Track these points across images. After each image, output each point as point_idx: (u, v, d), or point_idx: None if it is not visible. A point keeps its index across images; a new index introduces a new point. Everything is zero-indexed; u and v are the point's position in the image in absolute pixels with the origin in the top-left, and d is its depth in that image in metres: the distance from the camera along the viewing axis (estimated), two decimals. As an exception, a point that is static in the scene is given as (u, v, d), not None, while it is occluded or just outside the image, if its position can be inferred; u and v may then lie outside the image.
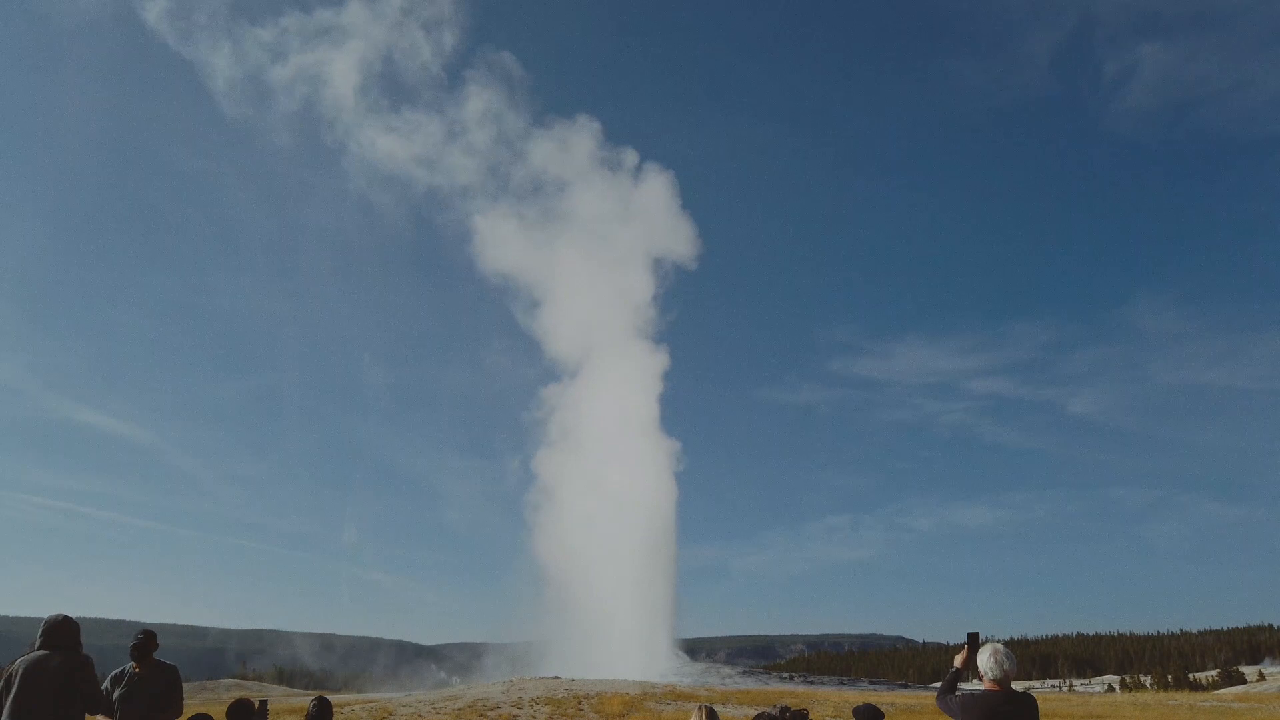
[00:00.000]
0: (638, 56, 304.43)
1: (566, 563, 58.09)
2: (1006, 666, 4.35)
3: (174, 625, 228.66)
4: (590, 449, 62.63)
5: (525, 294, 68.04)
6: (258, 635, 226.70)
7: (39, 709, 4.92)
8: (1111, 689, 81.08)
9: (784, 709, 6.68)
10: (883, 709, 5.49)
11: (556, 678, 33.00)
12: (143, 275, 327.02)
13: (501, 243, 68.65)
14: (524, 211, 70.95)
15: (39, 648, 5.15)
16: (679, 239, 65.26)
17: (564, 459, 62.81)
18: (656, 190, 66.25)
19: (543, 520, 60.96)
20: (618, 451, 62.34)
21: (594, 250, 67.25)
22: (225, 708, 6.42)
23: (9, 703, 4.94)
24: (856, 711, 5.32)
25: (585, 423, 62.62)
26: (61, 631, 5.20)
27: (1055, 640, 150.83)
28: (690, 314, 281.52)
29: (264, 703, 6.49)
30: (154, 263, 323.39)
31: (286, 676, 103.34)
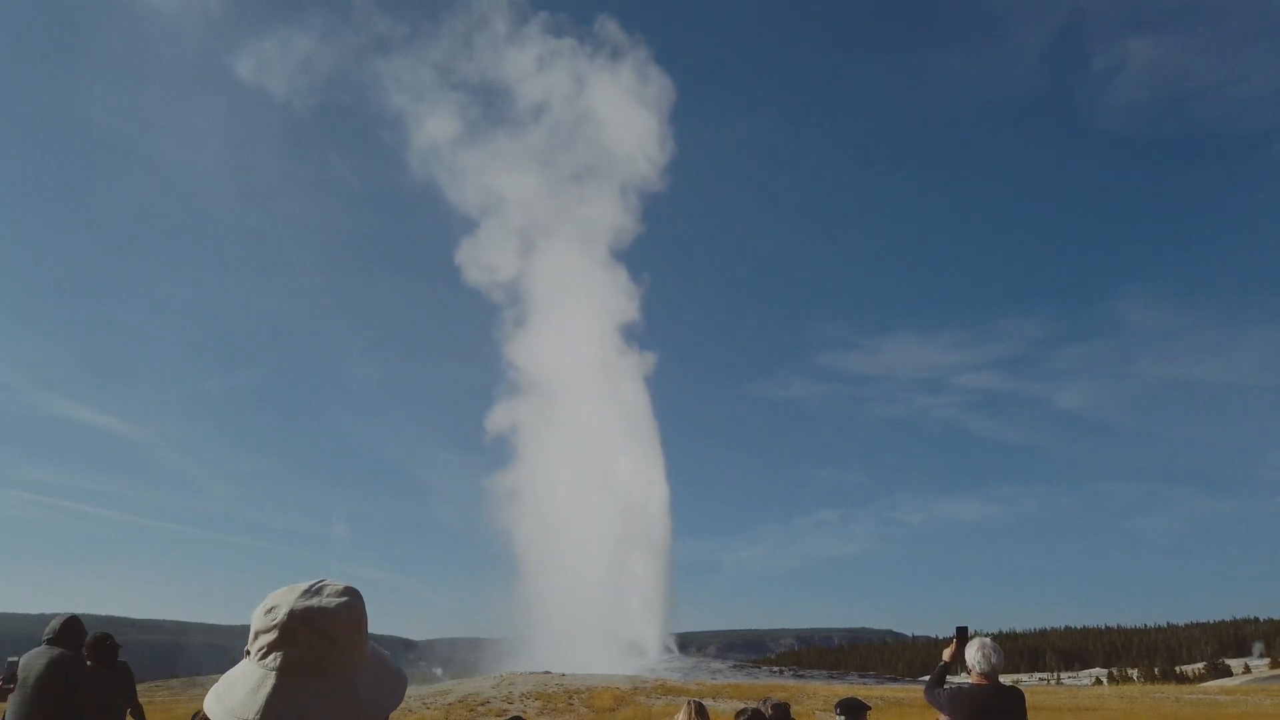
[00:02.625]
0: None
1: (543, 542, 55.68)
2: (994, 660, 4.38)
3: (165, 621, 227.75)
4: (557, 393, 59.32)
5: (464, 213, 66.46)
6: (249, 631, 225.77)
7: (35, 707, 4.90)
8: (1099, 682, 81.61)
9: (769, 703, 6.71)
10: (871, 703, 5.52)
11: (547, 672, 33.02)
12: (132, 270, 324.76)
13: (441, 149, 67.55)
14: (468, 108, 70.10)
15: (43, 643, 5.13)
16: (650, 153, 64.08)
17: (527, 409, 59.34)
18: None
19: (509, 485, 58.19)
20: (588, 399, 58.93)
21: (550, 159, 65.58)
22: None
23: (11, 700, 4.93)
24: (839, 705, 5.34)
25: (547, 364, 59.68)
26: (64, 631, 5.18)
27: (1043, 633, 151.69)
28: (680, 309, 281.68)
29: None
30: (143, 258, 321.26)
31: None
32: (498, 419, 60.27)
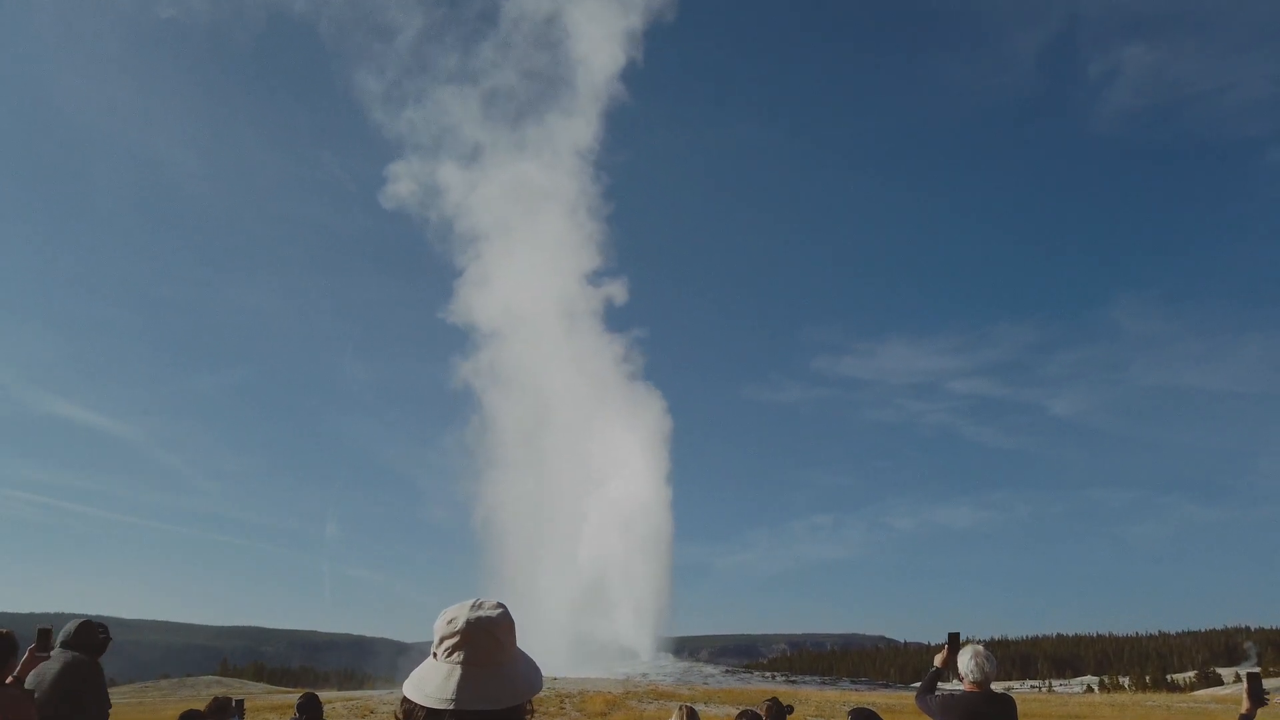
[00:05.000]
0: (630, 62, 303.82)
1: (529, 539, 53.15)
2: (987, 669, 4.37)
3: (154, 621, 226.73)
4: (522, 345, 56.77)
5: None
6: (238, 631, 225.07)
7: (46, 711, 4.89)
8: (1090, 690, 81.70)
9: (772, 701, 6.69)
10: (863, 709, 5.48)
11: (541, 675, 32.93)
12: (122, 268, 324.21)
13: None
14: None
15: (59, 646, 5.12)
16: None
17: (491, 361, 56.81)
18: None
19: (487, 475, 55.28)
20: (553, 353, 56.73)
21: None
22: (203, 705, 6.38)
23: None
24: (853, 714, 5.29)
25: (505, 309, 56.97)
26: (79, 635, 5.16)
27: (1035, 641, 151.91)
28: (672, 312, 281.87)
29: (240, 701, 6.45)
30: (133, 256, 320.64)
31: (267, 673, 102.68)
32: (458, 379, 58.28)
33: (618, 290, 60.06)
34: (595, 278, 59.69)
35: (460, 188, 63.51)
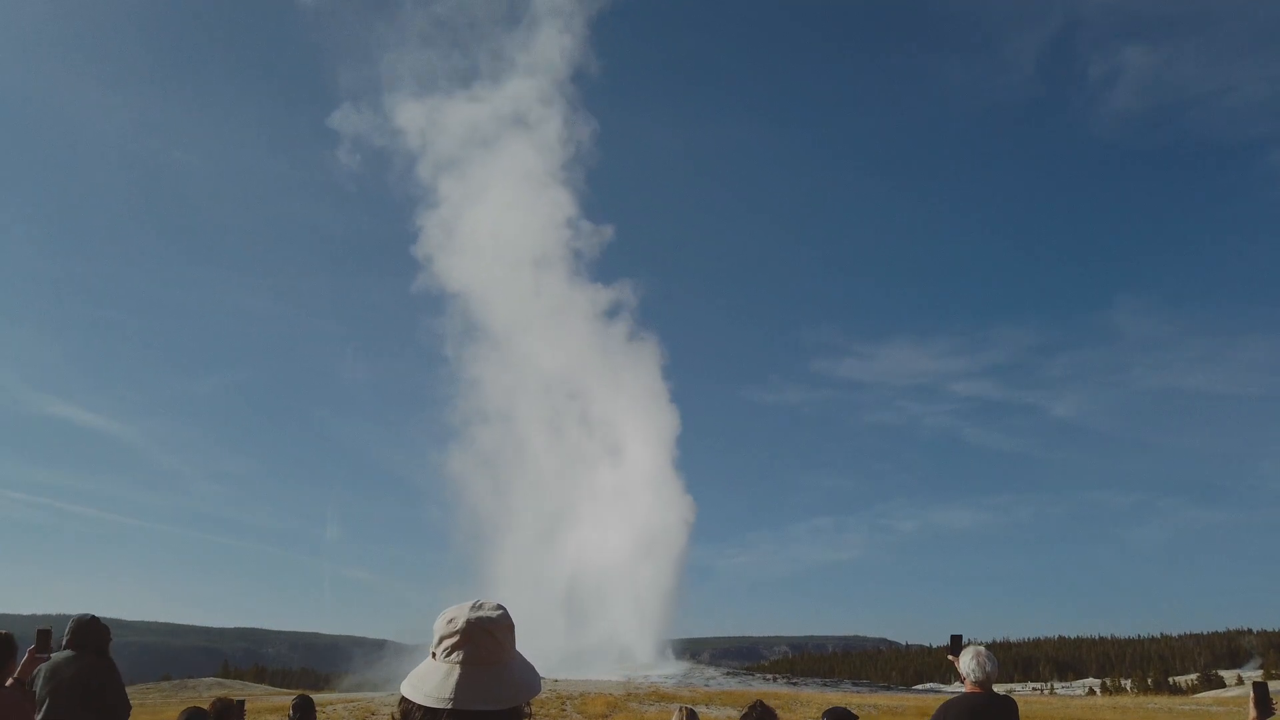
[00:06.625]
0: (620, 48, 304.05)
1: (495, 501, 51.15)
2: (989, 669, 4.38)
3: (154, 623, 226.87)
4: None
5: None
6: (239, 633, 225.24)
7: (62, 712, 4.82)
8: (1092, 692, 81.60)
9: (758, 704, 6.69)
10: (865, 711, 5.46)
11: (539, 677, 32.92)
12: (121, 268, 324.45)
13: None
14: None
15: (64, 647, 5.03)
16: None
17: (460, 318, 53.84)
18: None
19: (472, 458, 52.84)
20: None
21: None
22: (204, 706, 6.36)
23: (41, 704, 4.82)
24: (827, 714, 5.27)
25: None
26: (86, 632, 5.08)
27: (1037, 643, 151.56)
28: (671, 313, 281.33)
29: (240, 702, 6.46)
30: (132, 256, 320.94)
31: (268, 675, 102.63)
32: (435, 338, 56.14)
33: (597, 239, 57.57)
34: (577, 221, 56.62)
35: (422, 130, 59.05)
